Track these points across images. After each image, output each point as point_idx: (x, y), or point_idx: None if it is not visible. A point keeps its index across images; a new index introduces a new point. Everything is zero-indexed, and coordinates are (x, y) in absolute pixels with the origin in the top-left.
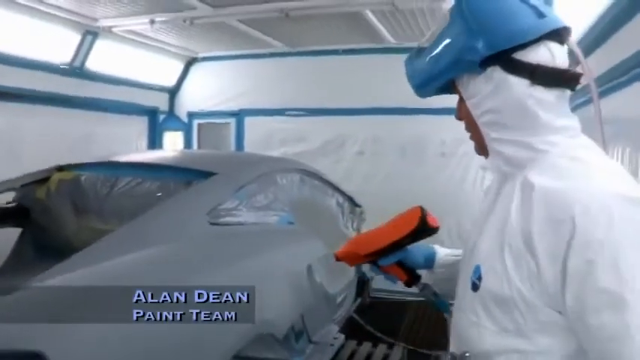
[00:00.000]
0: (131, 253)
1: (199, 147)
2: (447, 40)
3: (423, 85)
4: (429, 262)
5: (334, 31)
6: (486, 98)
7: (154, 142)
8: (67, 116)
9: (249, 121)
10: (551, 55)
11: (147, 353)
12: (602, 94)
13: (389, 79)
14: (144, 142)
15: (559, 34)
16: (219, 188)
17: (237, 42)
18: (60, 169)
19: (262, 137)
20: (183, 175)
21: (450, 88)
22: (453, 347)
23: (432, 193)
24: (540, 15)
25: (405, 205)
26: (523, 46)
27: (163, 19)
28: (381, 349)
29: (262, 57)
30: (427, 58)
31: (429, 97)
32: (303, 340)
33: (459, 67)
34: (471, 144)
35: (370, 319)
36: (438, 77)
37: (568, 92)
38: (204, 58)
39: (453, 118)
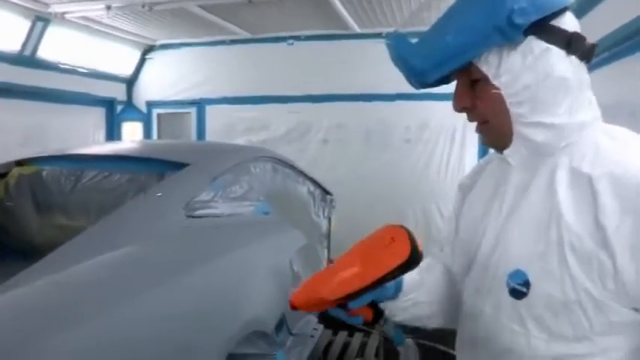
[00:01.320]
0: (109, 252)
1: (159, 138)
2: (475, 9)
3: (435, 69)
4: (397, 290)
5: (297, 18)
6: (524, 72)
7: (112, 134)
8: (18, 108)
9: (210, 110)
10: (577, 24)
11: (138, 355)
12: None
13: (352, 66)
14: (101, 133)
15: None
16: (193, 180)
17: (197, 29)
18: (19, 163)
19: (224, 126)
20: (153, 166)
21: (445, 77)
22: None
23: (398, 179)
24: None
25: (370, 191)
26: (558, 13)
27: (120, 4)
28: (358, 337)
29: (223, 44)
30: (443, 35)
31: (391, 84)
32: (284, 332)
33: (493, 39)
34: (435, 130)
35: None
36: (464, 53)
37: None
38: (163, 46)
39: (417, 104)
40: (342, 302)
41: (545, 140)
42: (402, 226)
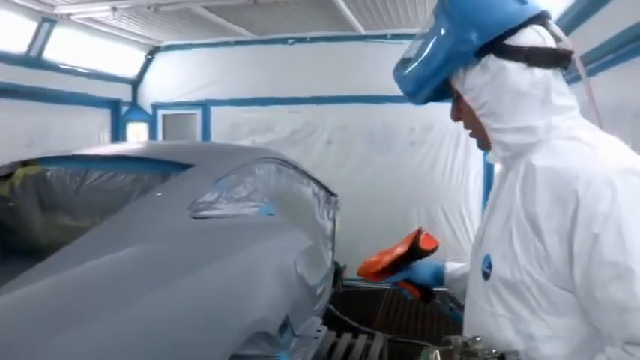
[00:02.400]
0: (113, 252)
1: (165, 139)
2: (437, 40)
3: (419, 90)
4: (438, 278)
5: (302, 19)
6: (484, 88)
7: (118, 135)
8: (25, 109)
9: (215, 112)
10: (541, 36)
11: (142, 355)
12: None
13: (357, 68)
14: (107, 134)
15: (540, 19)
16: (198, 180)
17: (203, 30)
18: (24, 163)
19: (229, 127)
20: (158, 167)
21: (443, 92)
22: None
23: (402, 181)
24: (521, 1)
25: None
26: (512, 31)
27: (126, 6)
28: (362, 339)
29: (228, 45)
30: (418, 62)
31: (396, 86)
32: (288, 334)
33: (454, 62)
34: (440, 132)
35: (346, 309)
36: (433, 77)
37: (560, 72)
38: (168, 47)
39: (422, 106)
40: (383, 277)
41: (513, 141)
42: (419, 228)
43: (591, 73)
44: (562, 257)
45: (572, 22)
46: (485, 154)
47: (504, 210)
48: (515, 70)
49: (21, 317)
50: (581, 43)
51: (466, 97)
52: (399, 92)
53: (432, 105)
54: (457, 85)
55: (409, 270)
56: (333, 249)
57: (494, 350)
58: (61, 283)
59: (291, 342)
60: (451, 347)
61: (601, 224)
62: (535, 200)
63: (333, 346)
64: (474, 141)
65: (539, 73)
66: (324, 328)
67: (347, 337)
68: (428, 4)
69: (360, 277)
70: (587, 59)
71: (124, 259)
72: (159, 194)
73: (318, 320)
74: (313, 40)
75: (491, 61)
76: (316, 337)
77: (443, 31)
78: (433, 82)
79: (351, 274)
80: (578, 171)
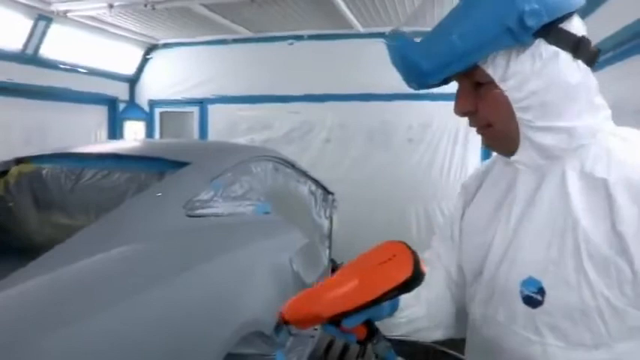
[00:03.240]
0: (107, 250)
1: (162, 136)
2: (487, 8)
3: (442, 69)
4: (394, 309)
5: (300, 17)
6: (532, 77)
7: (115, 132)
8: (21, 106)
9: (212, 109)
10: (584, 28)
11: (136, 354)
12: None
13: (355, 66)
14: (104, 132)
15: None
16: (193, 179)
17: (200, 28)
18: (19, 161)
19: (227, 125)
20: (153, 165)
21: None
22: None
23: (400, 179)
24: None
25: (372, 191)
26: (569, 15)
27: (123, 3)
28: None
29: (226, 43)
30: (450, 34)
31: (394, 84)
32: (284, 332)
33: (505, 40)
34: (438, 129)
35: None
36: (469, 56)
37: None
38: (166, 45)
39: (420, 103)
40: (337, 319)
41: (555, 144)
42: (403, 243)
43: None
44: None
45: None
46: (484, 152)
47: (549, 225)
48: (565, 59)
49: (13, 315)
50: None
51: (504, 85)
52: (397, 90)
53: (430, 102)
54: (490, 70)
55: (372, 309)
56: (330, 247)
57: None
58: (54, 282)
59: (287, 341)
60: None
61: None
62: (616, 218)
63: (330, 344)
64: (472, 138)
65: (583, 67)
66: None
67: None
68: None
69: None
70: None
71: (117, 258)
72: (159, 194)
73: None
74: (311, 37)
75: (543, 46)
76: (312, 336)
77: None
78: (465, 62)
79: None
80: None
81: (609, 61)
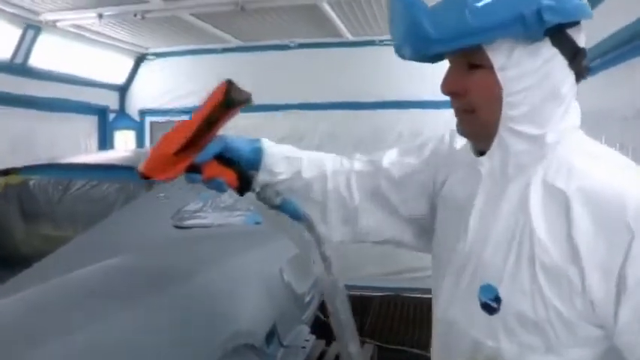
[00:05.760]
0: (93, 263)
1: (152, 146)
2: None
3: (449, 40)
4: (256, 155)
5: (289, 26)
6: (529, 73)
7: (105, 142)
8: (9, 116)
9: None
10: (584, 40)
11: None
12: None
13: (345, 74)
14: (93, 142)
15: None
16: (182, 189)
17: (190, 37)
18: (6, 172)
19: None
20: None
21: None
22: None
23: None
24: None
25: None
26: (575, 23)
27: (112, 12)
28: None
29: (216, 52)
30: (469, 9)
31: (384, 92)
32: (274, 344)
33: (517, 28)
34: (428, 138)
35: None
36: (481, 34)
37: None
38: (156, 54)
39: (409, 112)
40: (186, 160)
41: (524, 150)
42: (226, 79)
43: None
44: (604, 294)
45: None
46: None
47: (509, 234)
48: (562, 65)
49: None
50: None
51: (502, 74)
52: (386, 98)
53: (420, 110)
54: (493, 55)
55: (221, 141)
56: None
57: None
58: (41, 294)
59: (278, 352)
60: None
61: None
62: (571, 230)
63: (322, 355)
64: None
65: (572, 78)
66: (313, 337)
67: (336, 345)
68: None
69: (345, 282)
70: None
71: (105, 270)
72: (141, 203)
73: (306, 329)
74: (301, 46)
75: (547, 46)
76: (304, 347)
77: None
78: (472, 40)
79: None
80: (623, 198)
81: (595, 70)
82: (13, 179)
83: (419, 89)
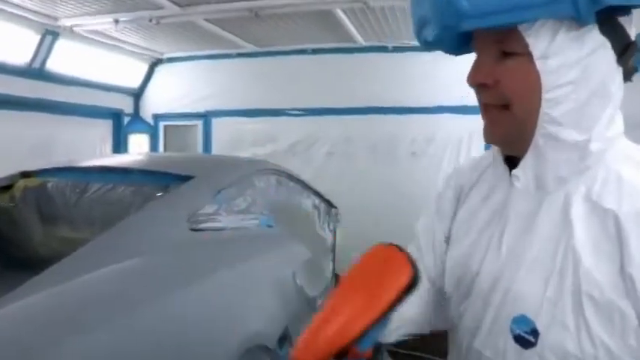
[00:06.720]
0: (110, 265)
1: (166, 150)
2: None
3: (484, 15)
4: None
5: (303, 31)
6: (572, 65)
7: (119, 146)
8: (26, 120)
9: (216, 123)
10: (635, 33)
11: None
12: None
13: (358, 79)
14: (108, 145)
15: None
16: (197, 192)
17: (204, 42)
18: (25, 174)
19: (230, 139)
20: (158, 179)
21: (463, 43)
22: None
23: (403, 192)
24: None
25: (375, 205)
26: (626, 10)
27: (128, 18)
28: None
29: (229, 57)
30: None
31: (398, 97)
32: (287, 346)
33: (565, 7)
34: (441, 143)
35: None
36: (522, 10)
37: None
38: (170, 59)
39: (423, 117)
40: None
41: (564, 160)
42: (393, 245)
43: None
44: None
45: None
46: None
47: (547, 259)
48: (610, 59)
49: (20, 329)
50: None
51: (542, 64)
52: (400, 103)
53: (433, 116)
54: (532, 40)
55: (382, 324)
56: (333, 260)
57: None
58: (59, 295)
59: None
60: None
61: None
62: (624, 259)
63: None
64: (475, 152)
65: (620, 77)
66: None
67: None
68: None
69: None
70: None
71: (121, 272)
72: (158, 206)
73: None
74: (315, 51)
75: (595, 34)
76: None
77: None
78: (511, 17)
79: None
80: None
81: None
82: (32, 182)
83: (432, 95)
